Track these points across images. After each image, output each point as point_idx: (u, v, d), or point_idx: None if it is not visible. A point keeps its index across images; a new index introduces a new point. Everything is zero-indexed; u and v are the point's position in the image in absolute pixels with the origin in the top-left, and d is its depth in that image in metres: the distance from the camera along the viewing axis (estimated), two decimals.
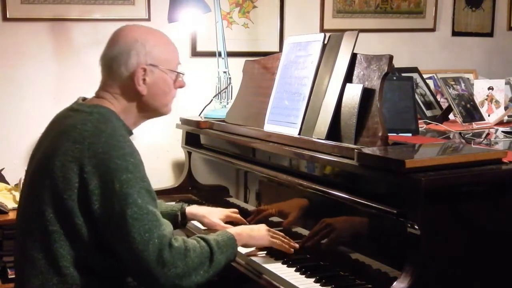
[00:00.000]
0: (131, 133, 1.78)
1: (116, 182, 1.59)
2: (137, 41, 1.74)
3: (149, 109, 1.81)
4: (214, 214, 2.16)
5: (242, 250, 1.96)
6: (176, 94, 1.86)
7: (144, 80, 1.75)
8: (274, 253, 1.93)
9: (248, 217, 2.26)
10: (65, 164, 1.62)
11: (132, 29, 1.80)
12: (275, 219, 2.16)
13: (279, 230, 2.05)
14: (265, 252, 1.96)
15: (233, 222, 2.19)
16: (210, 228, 2.17)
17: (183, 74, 1.85)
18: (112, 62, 1.75)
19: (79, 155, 1.61)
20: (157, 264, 1.60)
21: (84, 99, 1.82)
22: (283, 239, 1.95)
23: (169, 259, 1.61)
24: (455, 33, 4.03)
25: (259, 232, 1.94)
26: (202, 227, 2.21)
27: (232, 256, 1.80)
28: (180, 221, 2.16)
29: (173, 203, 2.40)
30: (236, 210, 2.23)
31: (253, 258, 1.92)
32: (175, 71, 1.82)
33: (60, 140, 1.66)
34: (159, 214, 1.67)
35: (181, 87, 1.86)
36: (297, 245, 1.95)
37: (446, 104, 3.02)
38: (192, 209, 2.19)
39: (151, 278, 1.61)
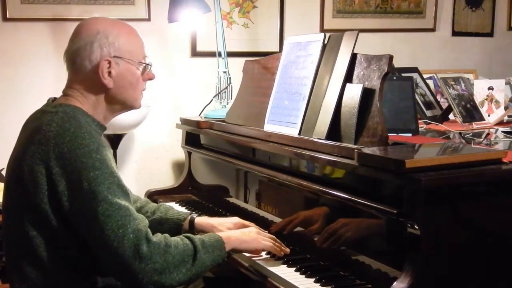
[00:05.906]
0: (103, 128, 1.75)
1: (84, 181, 1.57)
2: (99, 32, 1.70)
3: (117, 102, 1.76)
4: (224, 225, 2.02)
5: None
6: (145, 86, 1.82)
7: (109, 72, 1.71)
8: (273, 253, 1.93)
9: (248, 217, 2.26)
10: (33, 167, 1.59)
11: (94, 21, 1.75)
12: (275, 219, 2.15)
13: (278, 231, 2.05)
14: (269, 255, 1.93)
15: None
16: None
17: (150, 65, 1.80)
18: (76, 56, 1.72)
19: (45, 157, 1.59)
20: (134, 260, 1.57)
21: (54, 99, 1.79)
22: (274, 242, 1.90)
23: (146, 253, 1.58)
24: (455, 33, 4.03)
25: (250, 235, 1.88)
26: None
27: (219, 258, 1.75)
28: (188, 231, 2.01)
29: (184, 210, 2.37)
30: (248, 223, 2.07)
31: (253, 258, 1.92)
32: (143, 62, 1.78)
33: (27, 144, 1.64)
34: (133, 209, 1.63)
35: (150, 79, 1.81)
36: (288, 250, 1.90)
37: (446, 104, 3.02)
38: (200, 220, 2.05)
39: (130, 275, 1.59)
